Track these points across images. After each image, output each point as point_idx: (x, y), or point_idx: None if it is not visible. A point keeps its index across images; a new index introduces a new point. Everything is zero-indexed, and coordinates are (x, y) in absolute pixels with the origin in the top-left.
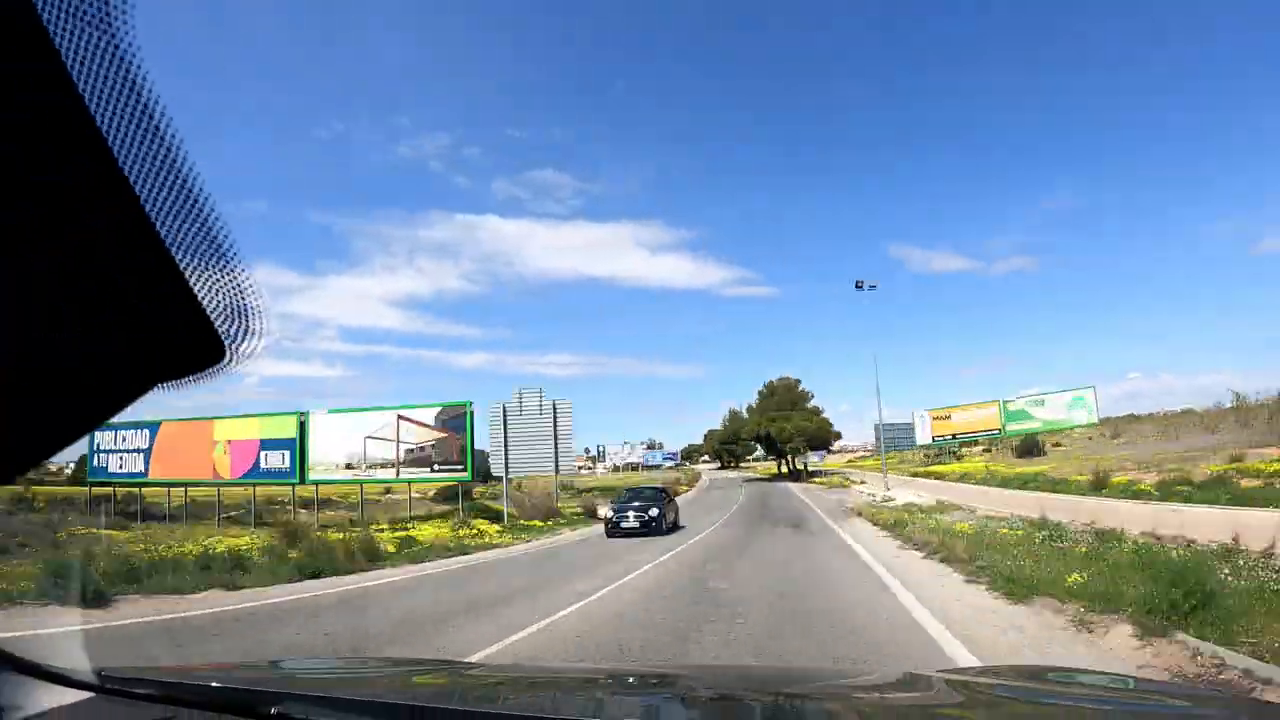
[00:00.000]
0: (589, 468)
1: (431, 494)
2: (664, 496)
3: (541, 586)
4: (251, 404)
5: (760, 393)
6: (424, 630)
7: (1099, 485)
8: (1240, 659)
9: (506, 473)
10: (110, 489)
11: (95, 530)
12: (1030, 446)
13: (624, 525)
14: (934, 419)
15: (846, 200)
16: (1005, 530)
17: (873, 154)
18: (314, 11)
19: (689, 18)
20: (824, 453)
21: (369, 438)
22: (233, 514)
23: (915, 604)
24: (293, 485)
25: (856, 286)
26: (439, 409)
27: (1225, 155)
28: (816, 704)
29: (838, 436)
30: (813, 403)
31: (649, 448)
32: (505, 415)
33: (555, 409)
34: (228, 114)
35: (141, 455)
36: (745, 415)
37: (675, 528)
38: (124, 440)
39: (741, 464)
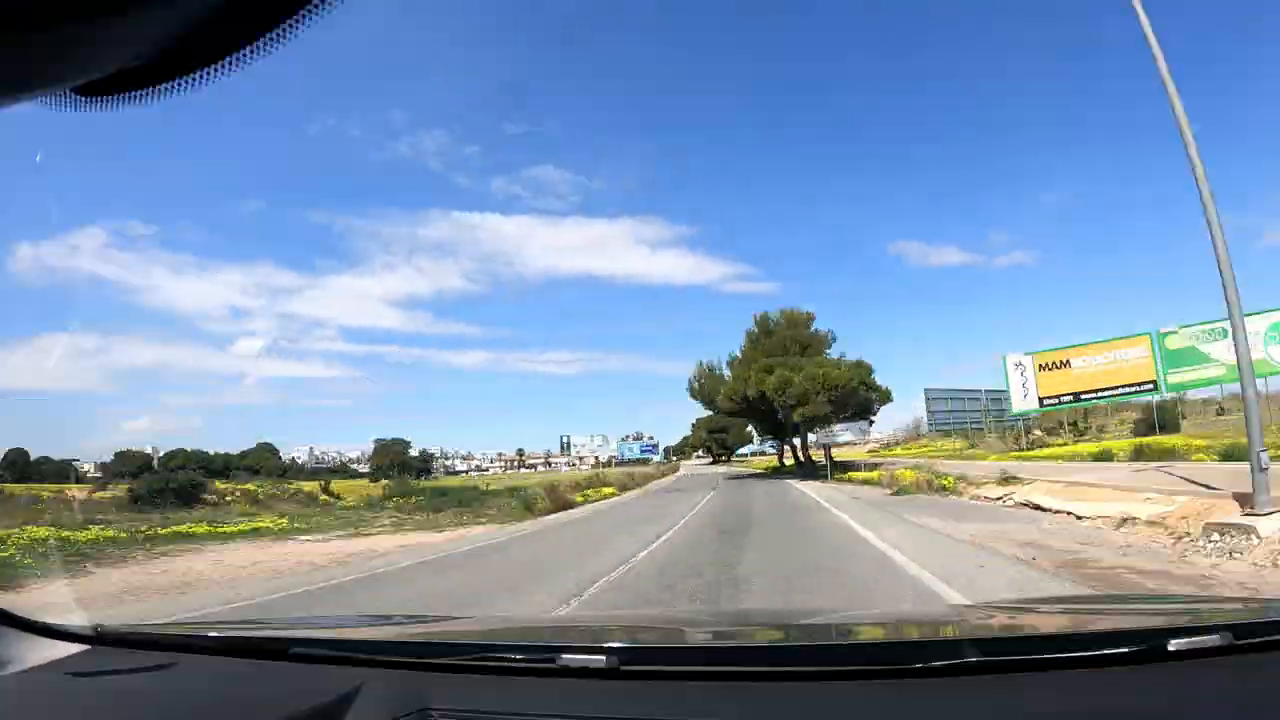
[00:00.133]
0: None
1: None
2: None
3: None
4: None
5: (749, 333)
6: None
7: None
8: None
9: None
10: None
11: None
12: (1164, 419)
13: None
14: (1040, 369)
15: (847, 195)
16: None
17: (874, 147)
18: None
19: (689, 16)
20: (865, 426)
21: None
22: None
23: None
24: None
25: None
26: None
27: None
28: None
29: (886, 398)
30: (836, 352)
31: (634, 439)
32: None
33: None
34: (228, 113)
35: None
36: (727, 373)
37: None
38: None
39: (735, 457)
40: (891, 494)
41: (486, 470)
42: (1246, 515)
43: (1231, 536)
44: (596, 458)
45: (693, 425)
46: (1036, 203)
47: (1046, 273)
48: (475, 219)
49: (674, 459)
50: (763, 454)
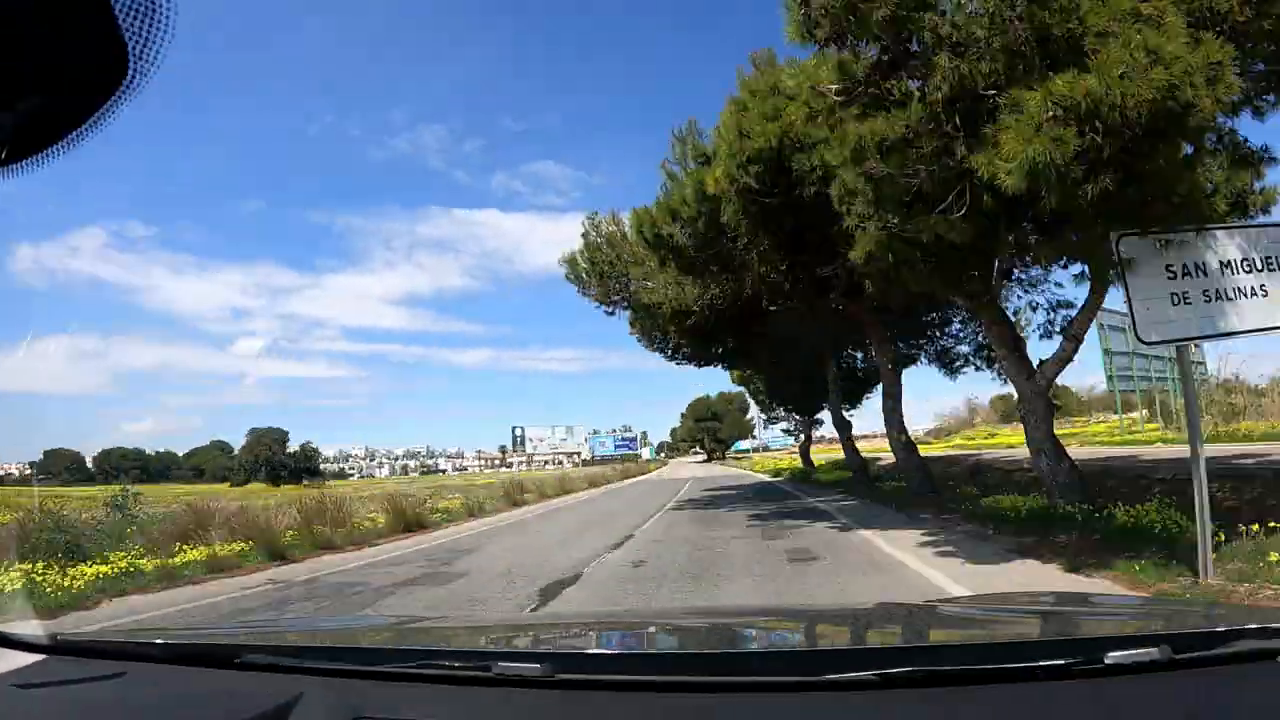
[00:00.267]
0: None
1: None
2: None
3: None
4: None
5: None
6: None
7: None
8: None
9: None
10: None
11: None
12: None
13: None
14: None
15: None
16: None
17: None
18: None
19: (688, 14)
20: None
21: None
22: None
23: None
24: None
25: None
26: None
27: None
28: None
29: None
30: None
31: (612, 433)
32: None
33: None
34: (226, 112)
35: None
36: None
37: None
38: None
39: (733, 453)
40: None
41: (467, 469)
42: None
43: None
44: (558, 456)
45: (681, 415)
46: None
47: None
48: (475, 215)
49: (662, 455)
50: (767, 449)
